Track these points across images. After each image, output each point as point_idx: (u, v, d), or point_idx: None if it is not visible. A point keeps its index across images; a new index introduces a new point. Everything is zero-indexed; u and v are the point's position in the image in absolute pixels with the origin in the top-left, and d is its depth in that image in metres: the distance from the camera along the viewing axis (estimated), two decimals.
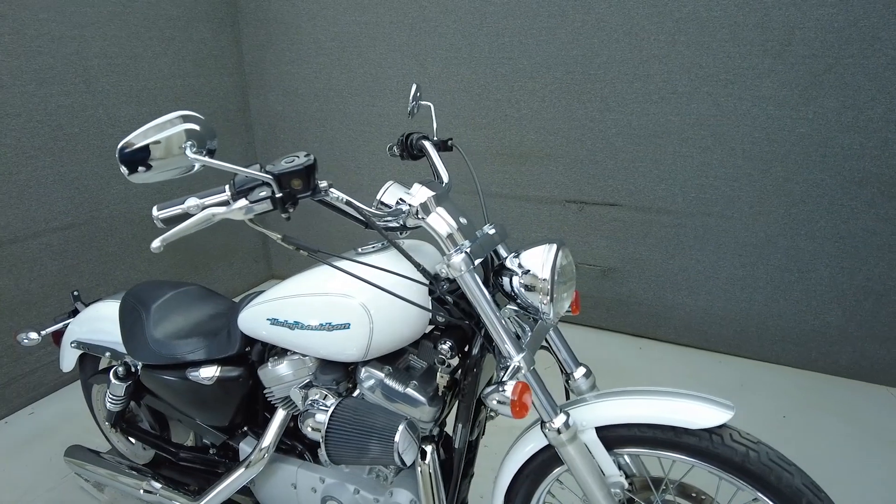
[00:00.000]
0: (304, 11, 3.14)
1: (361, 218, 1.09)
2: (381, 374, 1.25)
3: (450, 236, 1.12)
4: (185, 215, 0.97)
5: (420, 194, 1.14)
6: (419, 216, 1.13)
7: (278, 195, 0.94)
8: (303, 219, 3.62)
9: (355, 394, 1.30)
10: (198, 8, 3.06)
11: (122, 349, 1.64)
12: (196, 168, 0.92)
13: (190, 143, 0.88)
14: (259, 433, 1.58)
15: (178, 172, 0.90)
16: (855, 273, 2.41)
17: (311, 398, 1.30)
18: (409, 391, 1.23)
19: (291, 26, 3.19)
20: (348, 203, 1.04)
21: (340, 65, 3.15)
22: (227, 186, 0.98)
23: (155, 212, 0.97)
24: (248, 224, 1.00)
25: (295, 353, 1.36)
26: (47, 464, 2.15)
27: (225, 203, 0.97)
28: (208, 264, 3.33)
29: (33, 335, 1.77)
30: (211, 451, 1.67)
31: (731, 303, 2.68)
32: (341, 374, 1.32)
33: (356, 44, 3.07)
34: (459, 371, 1.25)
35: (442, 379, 1.20)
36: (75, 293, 1.90)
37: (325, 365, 1.33)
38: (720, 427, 1.07)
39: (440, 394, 1.25)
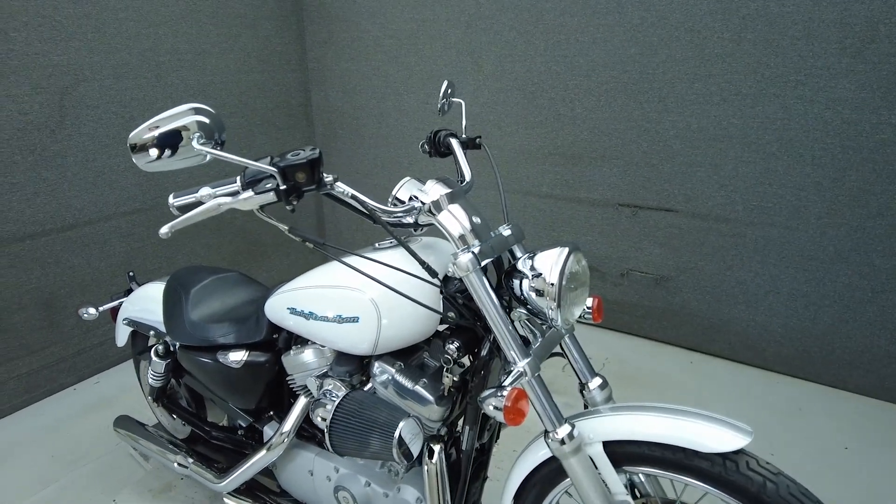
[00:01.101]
0: (364, 9, 3.20)
1: (367, 213, 1.09)
2: (393, 370, 1.26)
3: (461, 236, 1.11)
4: (198, 203, 1.01)
5: (433, 191, 1.13)
6: (430, 213, 1.12)
7: (282, 187, 0.96)
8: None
9: (368, 387, 1.31)
10: (264, 6, 3.18)
11: (163, 329, 1.74)
12: (208, 159, 0.96)
13: (198, 134, 0.91)
14: (283, 418, 1.62)
15: (188, 163, 0.94)
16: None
17: (324, 388, 1.33)
18: (418, 388, 1.22)
19: (352, 24, 3.26)
20: (354, 197, 1.05)
21: (397, 62, 3.19)
22: (238, 178, 1.01)
23: (171, 199, 1.01)
24: (256, 214, 1.03)
25: (315, 342, 1.39)
26: (105, 430, 2.31)
27: (234, 193, 1.00)
28: (266, 253, 3.47)
29: (92, 310, 1.90)
30: (239, 433, 1.74)
31: (793, 320, 2.49)
32: (355, 366, 1.33)
33: (413, 41, 3.09)
34: (445, 371, 1.23)
35: (448, 379, 1.19)
36: (131, 274, 2.02)
37: (341, 357, 1.35)
38: (736, 453, 0.99)
39: (448, 393, 1.24)
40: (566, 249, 1.06)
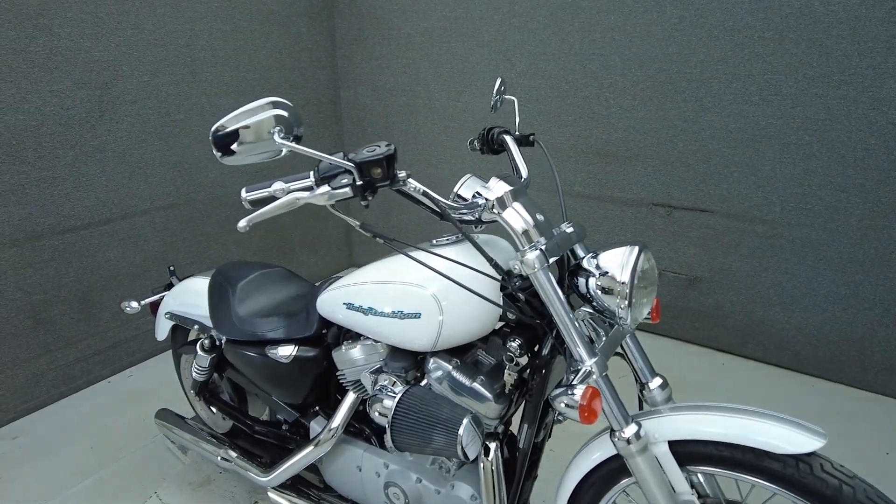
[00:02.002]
0: (396, 6, 3.20)
1: (437, 209, 1.09)
2: (449, 367, 1.25)
3: (525, 232, 1.10)
4: (272, 198, 1.01)
5: (497, 188, 1.13)
6: (494, 210, 1.12)
7: (358, 183, 0.96)
8: (380, 207, 3.71)
9: (423, 383, 1.31)
10: (296, 3, 3.19)
11: (209, 323, 1.75)
12: (283, 153, 0.96)
13: (278, 128, 0.92)
14: (330, 413, 1.63)
15: (266, 157, 0.94)
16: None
17: (380, 383, 1.33)
18: (476, 386, 1.22)
19: (384, 21, 3.27)
20: (425, 194, 1.05)
21: (429, 59, 3.19)
22: (311, 172, 1.01)
23: (244, 193, 1.02)
24: (329, 210, 1.03)
25: (368, 338, 1.39)
26: (141, 423, 2.34)
27: (309, 188, 1.01)
28: (294, 249, 3.48)
29: (134, 304, 1.92)
30: (283, 427, 1.74)
31: (830, 323, 2.47)
32: (410, 362, 1.33)
33: (445, 38, 3.09)
34: (528, 370, 1.23)
35: (510, 377, 1.19)
36: (171, 268, 2.04)
37: (396, 352, 1.35)
38: (809, 455, 0.98)
39: (507, 392, 1.24)
40: (636, 248, 1.06)
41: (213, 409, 2.00)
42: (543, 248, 1.07)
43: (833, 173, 2.30)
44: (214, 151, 0.93)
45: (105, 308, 2.61)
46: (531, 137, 1.46)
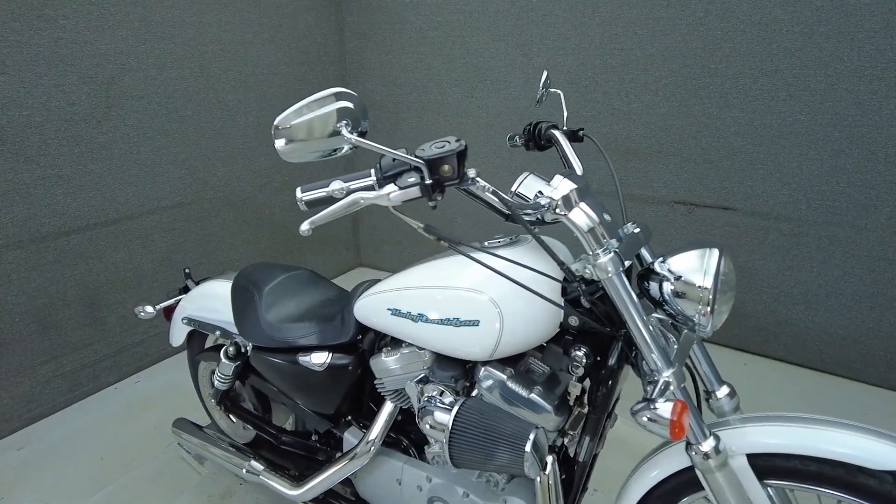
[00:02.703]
0: (407, 0, 3.12)
1: (504, 209, 1.02)
2: (503, 376, 1.19)
3: (592, 233, 1.04)
4: (329, 199, 0.94)
5: (562, 187, 1.06)
6: (559, 211, 1.05)
7: (428, 181, 0.89)
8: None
9: (474, 393, 1.24)
10: None
11: (232, 329, 1.67)
12: (345, 150, 0.89)
13: (344, 122, 0.84)
14: (363, 423, 1.56)
15: (329, 152, 0.87)
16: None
17: (427, 394, 1.26)
18: (534, 397, 1.15)
19: (394, 15, 3.18)
20: (494, 193, 0.98)
21: (441, 54, 3.11)
22: (371, 171, 0.94)
23: (299, 193, 0.94)
24: (391, 211, 0.95)
25: (411, 345, 1.32)
26: (152, 432, 2.24)
27: (369, 188, 0.93)
28: (301, 249, 3.39)
29: (149, 308, 1.83)
30: (313, 438, 1.67)
31: (856, 322, 2.43)
32: (459, 371, 1.26)
33: (459, 33, 3.02)
34: (586, 380, 1.17)
35: (574, 388, 1.12)
36: (187, 270, 1.95)
37: (443, 361, 1.28)
38: None
39: (566, 403, 1.17)
40: (716, 250, 0.99)
41: (233, 419, 1.92)
42: (617, 250, 1.00)
43: (863, 170, 2.27)
44: (277, 147, 0.85)
45: (112, 311, 2.51)
46: (580, 132, 1.39)
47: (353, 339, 1.44)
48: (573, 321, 1.12)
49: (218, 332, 1.72)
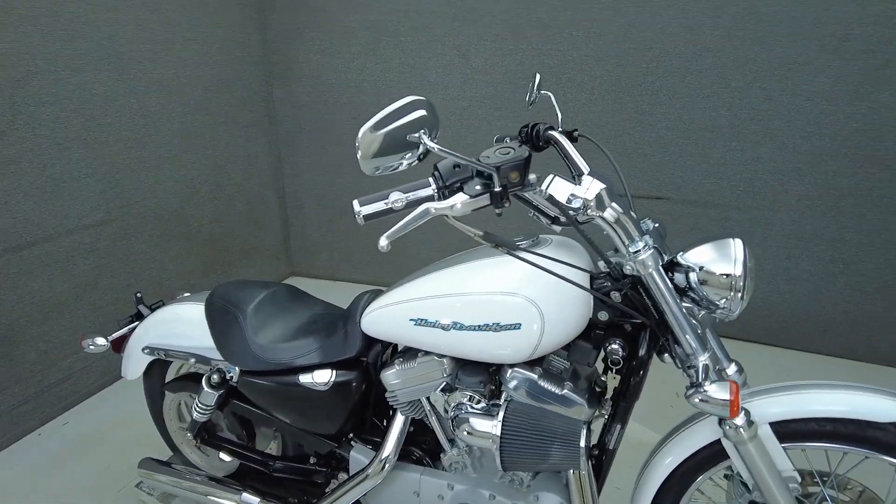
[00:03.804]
0: None
1: (555, 215, 1.03)
2: (534, 375, 1.20)
3: (626, 231, 1.08)
4: (388, 210, 0.90)
5: (593, 187, 1.09)
6: (591, 212, 1.08)
7: (496, 189, 0.88)
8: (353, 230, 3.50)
9: (503, 396, 1.25)
10: None
11: (211, 354, 1.54)
12: (414, 160, 0.85)
13: (423, 129, 0.81)
14: (368, 440, 1.50)
15: (408, 161, 0.83)
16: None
17: (456, 402, 1.24)
18: (567, 393, 1.18)
19: (322, 14, 3.07)
20: (550, 198, 0.99)
21: (375, 55, 3.05)
22: (430, 180, 0.91)
23: (357, 207, 0.89)
24: (448, 221, 0.93)
25: (428, 354, 1.29)
26: (94, 478, 2.01)
27: (429, 198, 0.90)
28: (232, 263, 3.19)
29: (101, 341, 1.65)
30: (311, 461, 1.58)
31: (775, 294, 2.73)
32: (486, 375, 1.26)
33: (393, 33, 2.98)
34: (612, 372, 1.21)
35: (613, 380, 1.16)
36: (138, 295, 1.78)
37: (468, 367, 1.27)
38: None
39: (596, 395, 1.21)
40: (739, 241, 1.07)
41: (207, 452, 1.77)
42: (656, 246, 1.05)
43: (776, 159, 2.54)
44: (361, 158, 0.80)
45: (31, 347, 2.21)
46: (575, 133, 1.43)
47: (358, 355, 1.39)
48: (602, 316, 1.16)
49: (192, 360, 1.58)
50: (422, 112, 0.83)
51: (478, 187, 0.89)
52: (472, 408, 1.22)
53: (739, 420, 1.07)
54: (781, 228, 2.62)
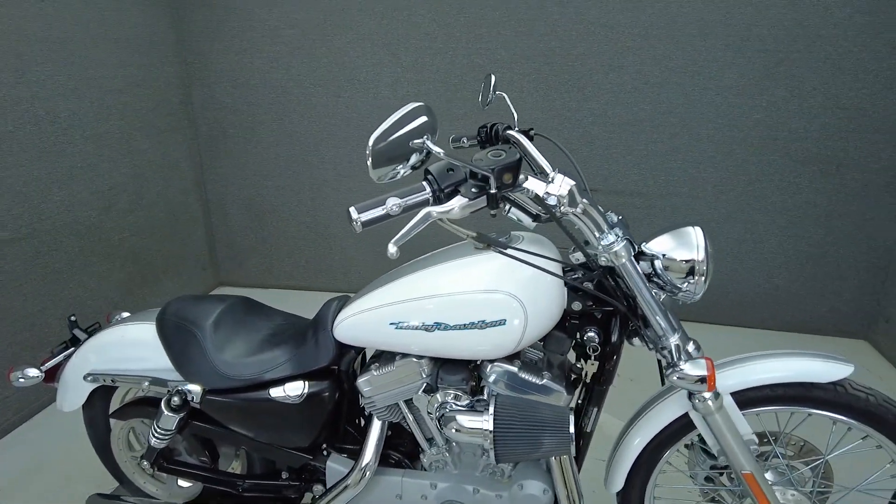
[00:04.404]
0: None
1: (543, 213, 1.07)
2: (514, 368, 1.24)
3: (597, 225, 1.14)
4: (385, 216, 0.89)
5: (564, 184, 1.14)
6: (564, 208, 1.13)
7: (492, 191, 0.90)
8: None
9: (486, 392, 1.27)
10: None
11: (167, 376, 1.46)
12: (407, 170, 0.85)
13: (426, 135, 0.82)
14: (342, 448, 1.48)
15: (411, 166, 0.83)
16: (799, 240, 2.77)
17: (441, 401, 1.26)
18: (547, 382, 1.23)
19: (242, 12, 2.95)
20: (535, 198, 1.02)
21: (301, 53, 2.97)
22: (425, 184, 0.91)
23: (355, 214, 0.88)
24: (442, 224, 0.94)
25: (405, 356, 1.30)
26: None
27: (425, 202, 0.91)
28: (157, 277, 2.99)
29: (33, 372, 1.51)
30: (284, 476, 1.53)
31: None
32: (467, 372, 1.28)
33: (320, 31, 2.91)
34: (590, 359, 1.27)
35: (591, 366, 1.22)
36: (73, 318, 1.64)
37: (447, 365, 1.28)
38: (842, 379, 1.20)
39: (573, 381, 1.27)
40: (699, 229, 1.17)
41: (163, 480, 1.67)
42: (629, 237, 1.12)
43: (692, 149, 2.75)
44: (371, 165, 0.79)
45: None
46: (531, 132, 1.49)
47: (330, 363, 1.37)
48: (576, 306, 1.22)
49: (146, 384, 1.48)
50: (423, 118, 0.83)
51: (474, 190, 0.91)
52: (457, 405, 1.24)
53: (708, 393, 1.17)
54: (700, 213, 2.85)
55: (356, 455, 1.49)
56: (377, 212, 0.89)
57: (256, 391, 1.37)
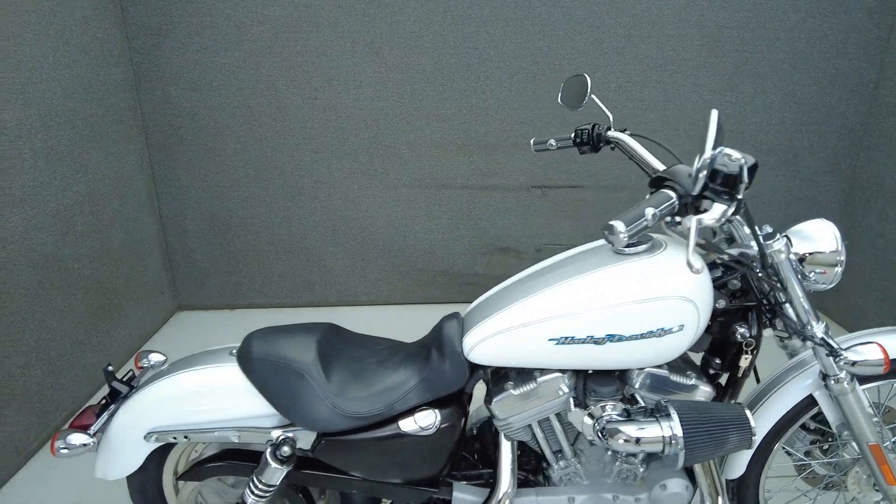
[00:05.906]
0: None
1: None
2: (665, 372, 1.23)
3: (752, 223, 1.17)
4: (644, 228, 0.84)
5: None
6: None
7: (739, 196, 0.88)
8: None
9: (638, 399, 1.25)
10: None
11: (267, 423, 1.28)
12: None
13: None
14: (466, 475, 1.39)
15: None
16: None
17: (600, 413, 1.21)
18: (695, 381, 1.24)
19: (200, 7, 2.64)
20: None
21: (273, 53, 2.73)
22: (671, 192, 0.87)
23: (622, 228, 0.82)
24: (665, 229, 0.90)
25: (545, 372, 1.24)
26: None
27: (672, 208, 0.87)
28: (119, 305, 2.61)
29: (81, 438, 1.26)
30: None
31: None
32: (617, 381, 1.25)
33: (294, 29, 2.69)
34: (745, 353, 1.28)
35: (745, 360, 1.24)
36: (109, 368, 1.38)
37: (595, 376, 1.25)
38: None
39: (715, 375, 1.29)
40: (829, 222, 1.23)
41: None
42: (787, 235, 1.16)
43: (672, 144, 2.91)
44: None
45: None
46: (626, 132, 1.49)
47: (463, 386, 1.28)
48: (720, 304, 1.24)
49: (237, 437, 1.28)
50: None
51: (725, 196, 0.89)
52: (618, 416, 1.21)
53: (843, 377, 1.24)
54: None
55: (476, 479, 1.41)
56: (641, 224, 0.84)
57: (382, 427, 1.25)
